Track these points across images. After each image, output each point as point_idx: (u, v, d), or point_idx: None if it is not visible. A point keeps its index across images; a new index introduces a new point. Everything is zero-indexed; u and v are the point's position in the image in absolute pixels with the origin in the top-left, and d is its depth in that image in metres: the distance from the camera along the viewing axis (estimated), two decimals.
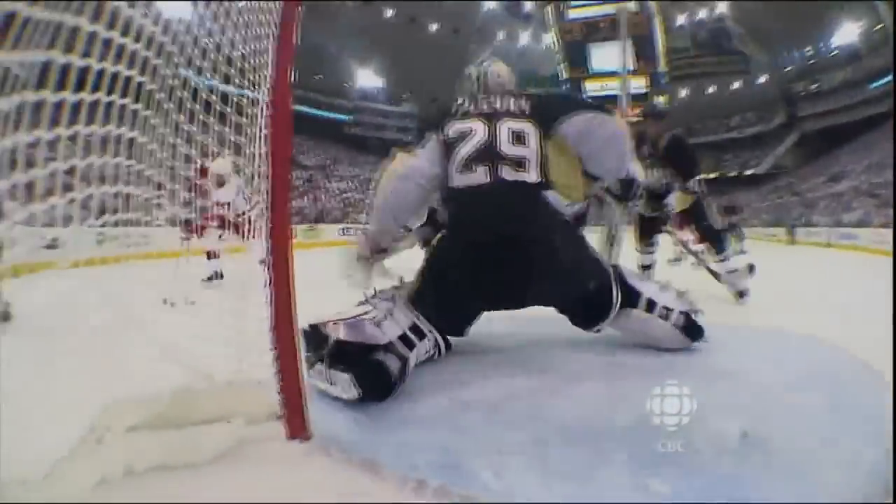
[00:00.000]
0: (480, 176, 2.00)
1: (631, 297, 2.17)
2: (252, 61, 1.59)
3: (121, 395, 1.42)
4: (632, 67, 31.37)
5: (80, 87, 1.17)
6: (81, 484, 1.22)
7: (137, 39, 1.32)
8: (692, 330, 2.21)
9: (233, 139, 1.66)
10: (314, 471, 1.43)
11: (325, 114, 34.22)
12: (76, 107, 1.17)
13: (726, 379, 1.89)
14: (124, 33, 1.26)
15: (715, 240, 4.82)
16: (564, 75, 35.70)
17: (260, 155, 1.56)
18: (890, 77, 24.32)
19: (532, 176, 1.98)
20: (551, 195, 2.01)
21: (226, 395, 1.57)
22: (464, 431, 1.58)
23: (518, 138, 2.01)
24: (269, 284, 1.50)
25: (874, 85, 26.57)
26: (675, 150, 4.56)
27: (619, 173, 2.42)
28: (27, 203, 1.08)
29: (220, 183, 5.19)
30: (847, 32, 27.99)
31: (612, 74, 31.56)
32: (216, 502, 1.27)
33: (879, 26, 25.89)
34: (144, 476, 1.33)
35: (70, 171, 1.20)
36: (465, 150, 2.04)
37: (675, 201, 4.49)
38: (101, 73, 1.22)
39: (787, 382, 1.85)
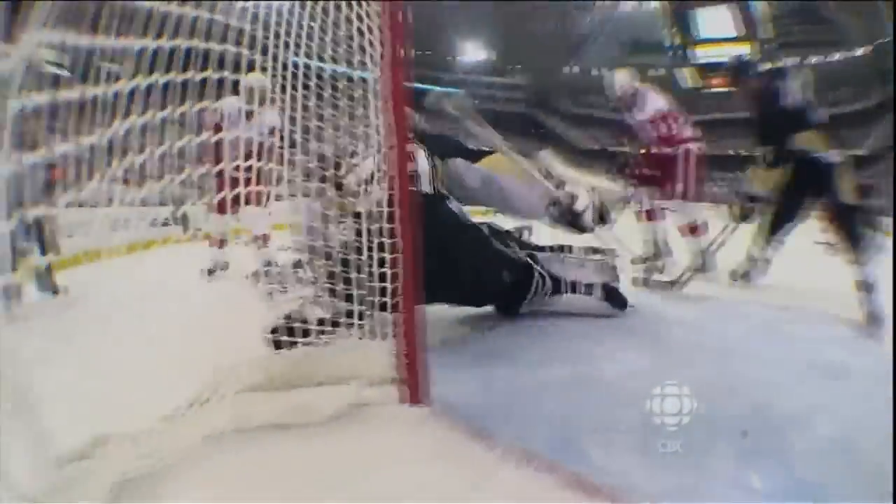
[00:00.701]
0: None
1: (556, 284, 2.44)
2: (361, 40, 1.63)
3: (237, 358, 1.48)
4: (735, 34, 29.08)
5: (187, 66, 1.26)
6: (190, 438, 1.27)
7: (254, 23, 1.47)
8: (615, 299, 2.57)
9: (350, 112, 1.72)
10: (428, 437, 1.41)
11: (432, 88, 34.47)
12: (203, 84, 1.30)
13: None
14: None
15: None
16: (670, 42, 33.64)
17: (377, 129, 1.61)
18: None
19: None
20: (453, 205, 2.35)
21: (345, 358, 1.59)
22: (579, 407, 1.54)
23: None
24: (398, 250, 1.52)
25: None
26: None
27: (520, 214, 2.76)
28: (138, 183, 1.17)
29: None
30: None
31: (718, 41, 29.34)
32: (327, 461, 1.30)
33: None
34: (255, 433, 1.37)
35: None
36: None
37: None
38: (222, 55, 1.34)
39: None
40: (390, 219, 1.56)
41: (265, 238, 3.51)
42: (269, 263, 2.62)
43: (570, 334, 2.29)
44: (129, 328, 1.26)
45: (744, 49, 29.51)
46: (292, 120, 1.63)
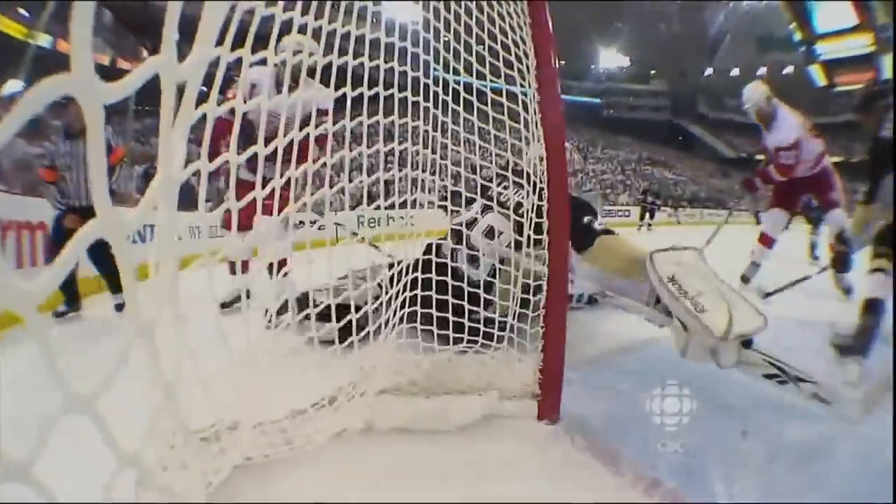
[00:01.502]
0: None
1: None
2: (509, 55, 1.63)
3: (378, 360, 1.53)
4: (854, 22, 25.83)
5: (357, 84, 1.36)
6: (320, 433, 1.33)
7: (403, 38, 1.50)
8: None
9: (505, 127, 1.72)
10: (556, 454, 1.42)
11: (576, 98, 33.59)
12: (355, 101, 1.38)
13: None
14: (389, 33, 1.45)
15: None
16: (797, 37, 30.62)
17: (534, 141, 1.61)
18: None
19: None
20: None
21: (483, 369, 1.61)
22: (706, 437, 1.50)
23: None
24: (547, 266, 1.53)
25: None
26: None
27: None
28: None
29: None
30: None
31: (838, 33, 26.49)
32: (449, 468, 1.33)
33: None
34: (384, 435, 1.43)
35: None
36: None
37: None
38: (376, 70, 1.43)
39: None
40: (537, 230, 1.59)
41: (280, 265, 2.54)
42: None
43: None
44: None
45: (863, 40, 26.32)
46: (443, 130, 1.67)
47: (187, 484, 1.04)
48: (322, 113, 1.47)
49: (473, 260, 1.97)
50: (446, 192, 1.80)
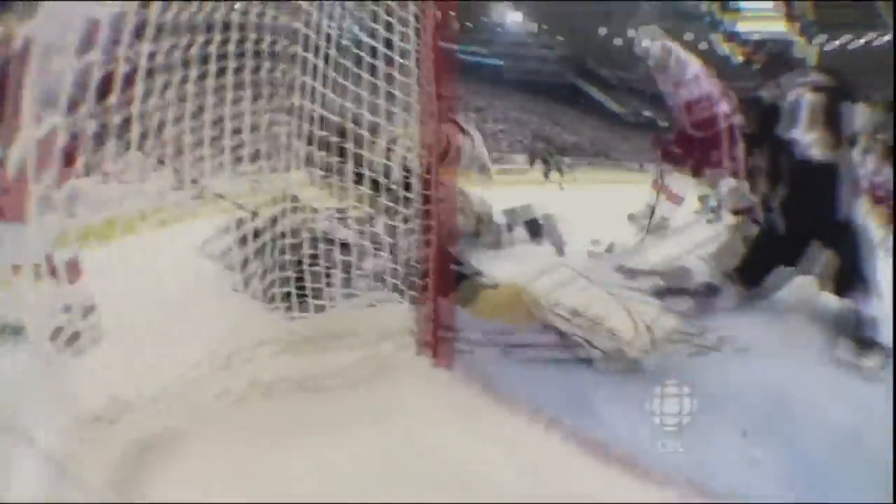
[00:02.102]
0: None
1: None
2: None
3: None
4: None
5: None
6: (209, 397, 1.28)
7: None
8: None
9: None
10: (452, 395, 1.45)
11: (476, 58, 32.62)
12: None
13: None
14: None
15: None
16: (707, 10, 32.56)
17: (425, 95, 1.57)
18: None
19: None
20: None
21: (370, 318, 1.60)
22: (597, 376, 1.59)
23: None
24: (434, 216, 1.52)
25: None
26: None
27: None
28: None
29: None
30: None
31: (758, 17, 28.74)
32: (346, 417, 1.32)
33: None
34: (274, 391, 1.39)
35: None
36: None
37: None
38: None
39: None
40: (426, 185, 1.55)
41: None
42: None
43: None
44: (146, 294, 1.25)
45: (781, 27, 28.72)
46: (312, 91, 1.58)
47: (88, 465, 0.99)
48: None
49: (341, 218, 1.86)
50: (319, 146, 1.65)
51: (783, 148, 2.13)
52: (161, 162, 1.20)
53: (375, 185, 1.63)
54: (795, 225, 2.13)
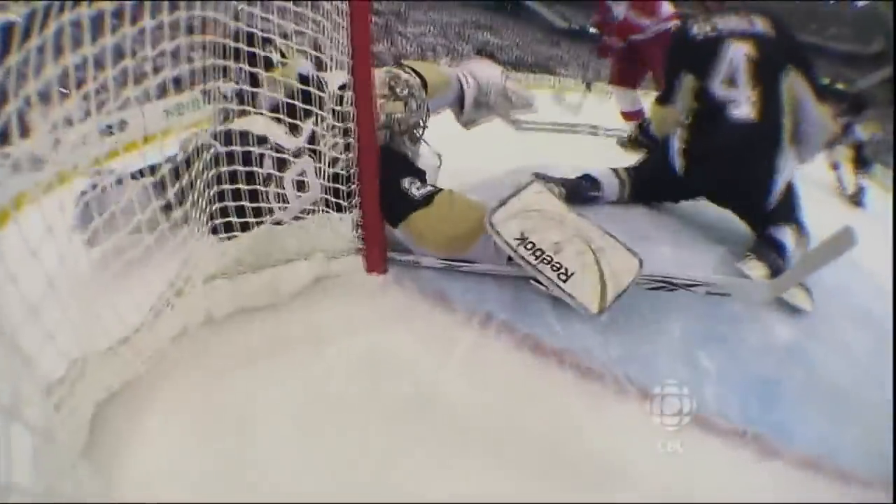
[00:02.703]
0: None
1: None
2: None
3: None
4: None
5: None
6: (163, 338, 1.24)
7: None
8: None
9: None
10: (389, 303, 1.50)
11: None
12: None
13: None
14: None
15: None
16: None
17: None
18: None
19: None
20: None
21: (305, 234, 1.57)
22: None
23: None
24: (354, 121, 1.44)
25: None
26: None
27: None
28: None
29: None
30: None
31: None
32: (294, 336, 1.35)
33: None
34: (225, 322, 1.38)
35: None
36: None
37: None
38: None
39: None
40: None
41: None
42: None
43: None
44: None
45: None
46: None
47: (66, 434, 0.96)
48: None
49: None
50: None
51: (712, 101, 2.08)
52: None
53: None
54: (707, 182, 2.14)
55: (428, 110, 1.91)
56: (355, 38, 1.37)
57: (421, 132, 1.95)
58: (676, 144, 2.18)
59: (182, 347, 1.28)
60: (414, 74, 1.92)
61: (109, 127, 1.67)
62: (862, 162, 5.46)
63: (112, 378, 1.14)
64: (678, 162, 2.16)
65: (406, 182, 1.62)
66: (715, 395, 1.32)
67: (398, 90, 1.80)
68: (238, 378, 1.23)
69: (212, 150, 1.37)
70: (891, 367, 1.42)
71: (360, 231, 1.55)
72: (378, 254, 1.56)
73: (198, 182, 1.32)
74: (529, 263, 1.39)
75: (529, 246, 1.41)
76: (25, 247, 0.83)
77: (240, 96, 1.44)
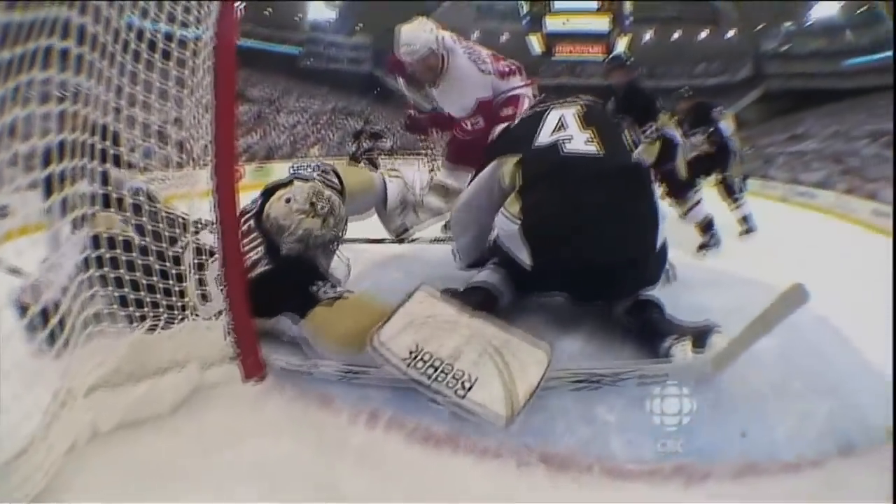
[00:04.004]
0: None
1: None
2: None
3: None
4: (595, 6, 30.79)
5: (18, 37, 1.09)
6: (53, 451, 1.19)
7: None
8: None
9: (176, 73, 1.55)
10: (271, 409, 1.45)
11: (275, 47, 31.94)
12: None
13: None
14: None
15: (730, 190, 5.34)
16: (524, 10, 34.60)
17: (203, 87, 1.48)
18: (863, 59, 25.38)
19: None
20: None
21: (178, 343, 1.54)
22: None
23: None
24: (217, 224, 1.44)
25: (850, 62, 26.62)
26: (630, 96, 4.35)
27: None
28: None
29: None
30: (827, 7, 28.08)
31: (575, 12, 30.98)
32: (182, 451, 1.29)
33: (864, 8, 26.07)
34: (111, 436, 1.33)
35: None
36: None
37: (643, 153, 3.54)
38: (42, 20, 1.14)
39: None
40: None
41: None
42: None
43: None
44: None
45: (603, 21, 31.36)
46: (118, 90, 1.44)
47: None
48: None
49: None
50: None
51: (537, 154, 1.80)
52: None
53: None
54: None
55: (345, 223, 1.93)
56: (219, 136, 1.41)
57: (336, 246, 1.98)
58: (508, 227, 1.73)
59: (71, 463, 1.23)
60: (336, 183, 2.02)
61: None
62: (731, 190, 5.38)
63: (16, 493, 1.08)
64: (523, 251, 1.70)
65: (314, 286, 1.62)
66: (624, 443, 1.29)
67: (318, 206, 1.81)
68: (131, 496, 1.17)
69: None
70: None
71: (231, 337, 1.50)
72: (253, 360, 1.53)
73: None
74: (422, 384, 1.25)
75: (426, 358, 1.28)
76: None
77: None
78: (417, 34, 2.79)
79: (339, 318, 1.54)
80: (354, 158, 6.14)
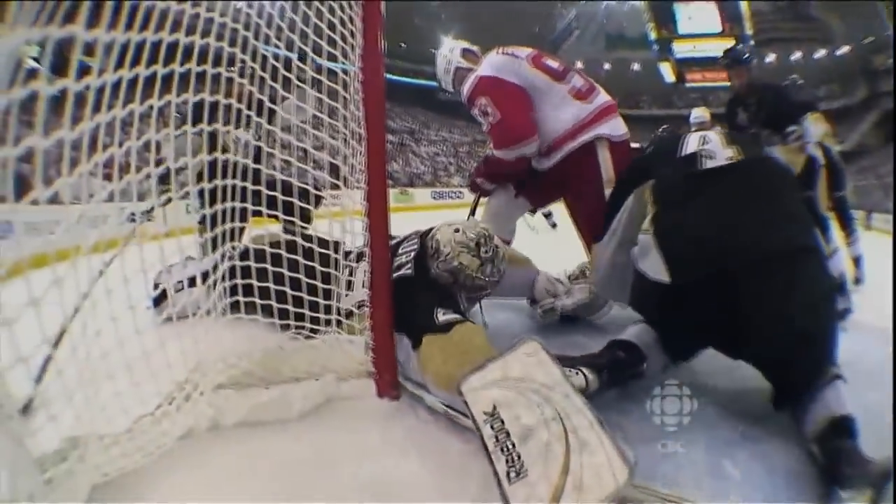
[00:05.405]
0: None
1: None
2: (341, 31, 1.58)
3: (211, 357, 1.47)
4: (718, 29, 29.82)
5: (170, 60, 1.19)
6: (167, 437, 1.26)
7: (225, 14, 1.37)
8: None
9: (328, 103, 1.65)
10: (401, 429, 1.45)
11: (413, 81, 34.08)
12: (167, 79, 1.21)
13: None
14: (212, 9, 1.31)
15: (845, 218, 3.97)
16: (653, 36, 33.94)
17: (355, 120, 1.58)
18: None
19: None
20: None
21: (316, 354, 1.61)
22: None
23: None
24: (367, 245, 1.53)
25: None
26: (770, 96, 3.76)
27: None
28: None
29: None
30: None
31: (701, 36, 30.06)
32: (301, 456, 1.31)
33: None
34: (231, 431, 1.39)
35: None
36: None
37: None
38: (190, 46, 1.25)
39: None
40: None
41: None
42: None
43: None
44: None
45: (728, 45, 30.39)
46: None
47: None
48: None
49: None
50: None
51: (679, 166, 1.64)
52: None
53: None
54: None
55: (500, 278, 1.84)
56: (370, 161, 1.51)
57: (482, 297, 1.93)
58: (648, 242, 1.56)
59: (187, 447, 1.29)
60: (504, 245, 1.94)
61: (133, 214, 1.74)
62: (847, 219, 4.09)
63: (109, 465, 1.15)
64: (660, 264, 1.48)
65: (439, 311, 1.57)
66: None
67: (482, 249, 1.76)
68: (239, 489, 1.20)
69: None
70: None
71: (371, 354, 1.56)
72: (389, 378, 1.56)
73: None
74: (486, 448, 1.14)
75: (497, 425, 1.16)
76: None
77: None
78: (438, 62, 2.70)
79: (441, 353, 1.47)
80: None
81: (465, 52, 2.60)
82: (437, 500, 1.20)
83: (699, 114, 4.78)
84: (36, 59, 0.91)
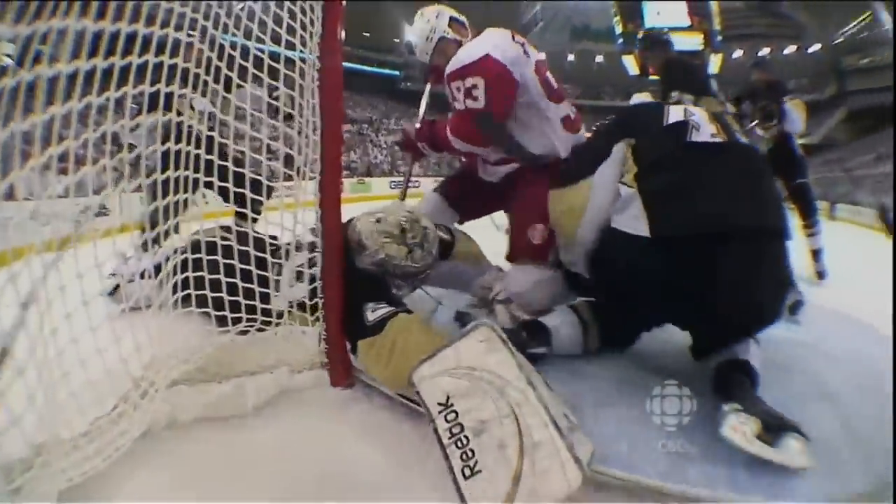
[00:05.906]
0: None
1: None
2: (301, 19, 1.53)
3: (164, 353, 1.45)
4: (687, 24, 30.43)
5: (128, 52, 1.15)
6: (125, 436, 1.25)
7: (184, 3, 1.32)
8: None
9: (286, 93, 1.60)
10: (355, 416, 1.50)
11: (375, 70, 33.61)
12: (125, 70, 1.16)
13: None
14: None
15: (809, 207, 4.01)
16: (619, 30, 34.33)
17: (311, 109, 1.55)
18: None
19: None
20: None
21: (269, 347, 1.61)
22: None
23: None
24: (320, 236, 1.54)
25: None
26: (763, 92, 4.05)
27: None
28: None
29: None
30: None
31: (669, 30, 30.91)
32: (259, 449, 1.34)
33: None
34: (189, 427, 1.40)
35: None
36: None
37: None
38: (148, 36, 1.21)
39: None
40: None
41: None
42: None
43: None
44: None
45: (695, 39, 30.72)
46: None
47: None
48: None
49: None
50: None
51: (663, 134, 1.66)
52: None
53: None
54: None
55: (432, 264, 1.77)
56: (326, 150, 1.51)
57: (418, 283, 1.84)
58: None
59: (148, 446, 1.30)
60: (445, 232, 1.90)
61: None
62: (810, 209, 4.09)
63: (73, 469, 1.14)
64: (640, 220, 1.49)
65: (369, 308, 1.52)
66: (699, 473, 1.22)
67: (409, 235, 1.68)
68: (201, 488, 1.21)
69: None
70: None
71: (324, 345, 1.59)
72: (342, 368, 1.60)
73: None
74: (440, 441, 1.12)
75: (451, 416, 1.13)
76: None
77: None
78: (415, 28, 2.34)
79: (379, 358, 1.45)
80: None
81: (453, 21, 2.31)
82: (396, 488, 1.25)
83: (642, 98, 4.91)
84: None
